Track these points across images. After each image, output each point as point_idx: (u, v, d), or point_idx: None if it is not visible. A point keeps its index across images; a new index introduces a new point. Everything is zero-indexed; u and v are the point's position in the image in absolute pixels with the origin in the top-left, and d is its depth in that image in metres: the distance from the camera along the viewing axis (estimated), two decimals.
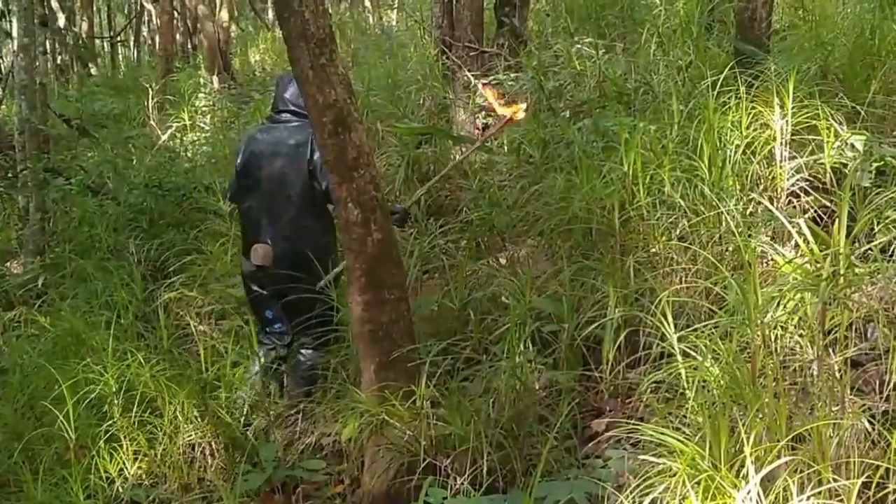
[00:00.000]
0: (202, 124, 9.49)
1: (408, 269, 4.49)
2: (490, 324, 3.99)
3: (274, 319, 4.55)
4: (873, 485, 2.40)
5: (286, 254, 4.37)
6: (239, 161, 4.61)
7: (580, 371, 3.63)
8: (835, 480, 2.32)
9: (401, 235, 5.18)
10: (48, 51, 11.79)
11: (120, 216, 6.73)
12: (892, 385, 2.63)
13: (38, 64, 7.38)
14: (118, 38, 18.15)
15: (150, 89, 10.42)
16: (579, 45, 6.33)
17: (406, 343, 3.56)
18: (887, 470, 2.39)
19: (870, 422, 2.57)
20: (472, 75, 6.65)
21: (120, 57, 19.65)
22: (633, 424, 2.73)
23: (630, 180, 3.99)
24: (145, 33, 20.21)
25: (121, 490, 3.74)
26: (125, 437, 3.87)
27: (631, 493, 2.43)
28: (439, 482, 3.16)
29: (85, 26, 17.72)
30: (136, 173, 7.37)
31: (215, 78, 11.44)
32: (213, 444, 3.92)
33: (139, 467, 3.85)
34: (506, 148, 5.93)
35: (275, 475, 3.72)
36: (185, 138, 9.05)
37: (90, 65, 16.26)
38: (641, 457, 2.60)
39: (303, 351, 4.52)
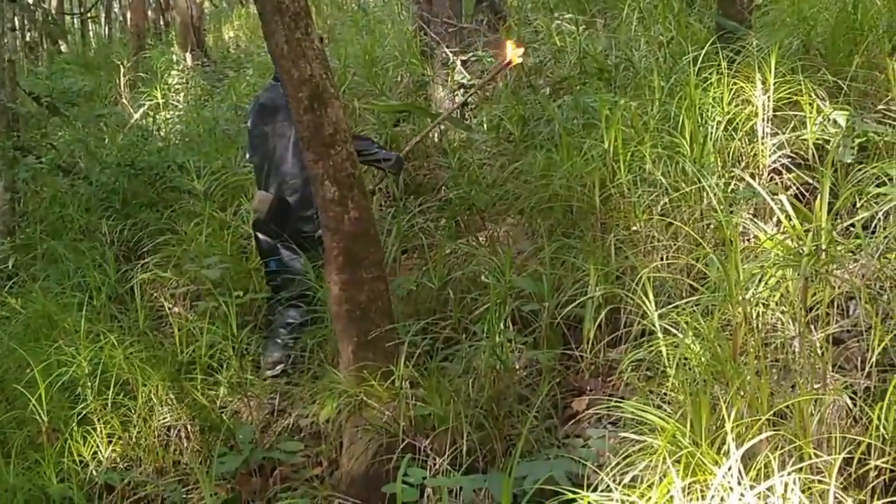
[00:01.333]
0: (175, 102, 9.39)
1: (386, 249, 4.46)
2: (469, 303, 3.97)
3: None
4: (855, 461, 2.40)
5: (280, 204, 4.63)
6: (249, 121, 4.91)
7: (561, 350, 3.62)
8: (816, 456, 2.31)
9: (378, 214, 5.15)
10: (17, 27, 11.55)
11: (92, 196, 6.64)
12: (873, 362, 2.61)
13: (6, 41, 7.20)
14: (89, 15, 17.86)
15: (121, 67, 10.29)
16: (559, 21, 6.29)
17: (384, 323, 3.52)
18: (869, 446, 2.39)
19: (851, 398, 2.57)
20: (451, 52, 6.59)
21: (91, 34, 19.35)
22: (614, 403, 2.71)
23: (611, 157, 3.97)
24: (116, 10, 19.90)
25: (94, 473, 3.71)
26: (99, 419, 3.83)
27: (611, 471, 2.41)
28: (418, 463, 3.14)
29: (55, 2, 17.42)
30: (108, 152, 7.26)
31: (188, 55, 11.28)
32: (188, 426, 3.89)
33: (113, 450, 3.81)
34: (485, 126, 5.89)
35: (252, 457, 3.68)
36: (157, 116, 8.95)
37: (60, 42, 15.96)
38: (622, 435, 2.58)
39: (280, 309, 4.63)
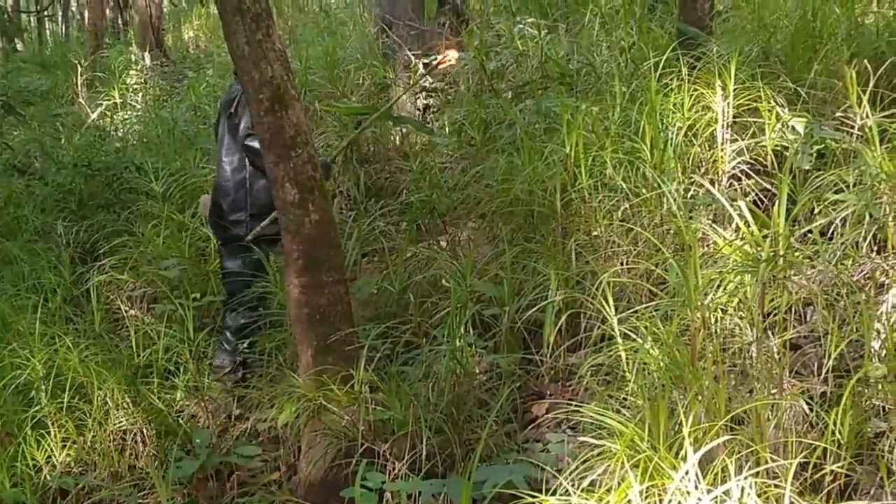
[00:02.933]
0: (133, 102, 9.28)
1: (346, 252, 4.43)
2: (430, 307, 3.95)
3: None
4: (810, 466, 2.42)
5: (215, 207, 4.60)
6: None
7: (521, 355, 3.62)
8: (772, 461, 2.32)
9: (339, 217, 5.12)
10: None
11: (47, 197, 6.56)
12: (830, 367, 2.64)
13: None
14: (45, 13, 17.60)
15: (78, 66, 10.17)
16: (521, 25, 6.31)
17: (344, 327, 3.49)
18: (824, 450, 2.42)
19: (808, 403, 2.59)
20: (413, 54, 6.58)
21: (47, 32, 19.09)
22: (574, 407, 2.71)
23: (572, 162, 3.97)
24: (74, 8, 19.65)
25: (48, 478, 3.64)
26: (53, 423, 3.77)
27: (570, 475, 2.41)
28: (377, 467, 3.12)
29: (10, 0, 17.15)
30: (65, 152, 7.19)
31: (147, 55, 11.18)
32: (144, 430, 3.83)
33: (68, 454, 3.75)
34: (447, 129, 5.88)
35: (208, 462, 3.64)
36: (115, 117, 8.85)
37: (16, 40, 15.73)
38: (581, 439, 2.58)
39: (227, 313, 4.57)
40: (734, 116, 3.86)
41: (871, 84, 3.53)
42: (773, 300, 2.70)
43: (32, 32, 17.60)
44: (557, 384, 3.50)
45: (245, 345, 4.43)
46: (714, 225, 3.41)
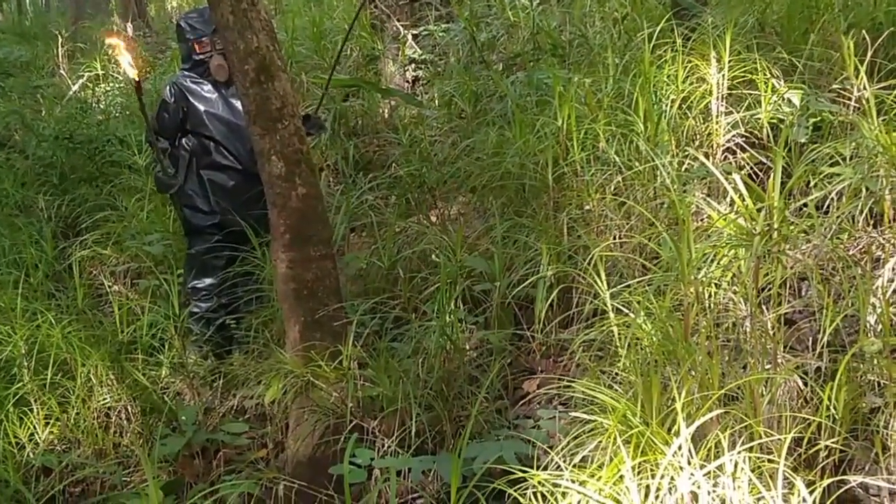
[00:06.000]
0: (115, 74, 9.14)
1: (334, 226, 4.39)
2: (420, 283, 3.92)
3: None
4: (805, 441, 2.41)
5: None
6: None
7: (512, 330, 3.60)
8: (766, 436, 2.30)
9: (327, 191, 5.07)
10: None
11: (28, 170, 6.50)
12: (824, 342, 2.62)
13: None
14: None
15: (59, 37, 10.02)
16: None
17: (332, 302, 3.45)
18: (819, 426, 2.40)
19: (802, 379, 2.58)
20: (402, 25, 6.51)
21: (27, 2, 18.86)
22: (565, 383, 2.68)
23: (564, 135, 3.93)
24: None
25: (31, 456, 3.62)
26: (35, 400, 3.74)
27: (562, 451, 2.39)
28: (366, 444, 3.09)
29: None
30: (46, 125, 7.08)
31: (129, 25, 11.04)
32: (129, 407, 3.80)
33: (51, 432, 3.73)
34: (437, 102, 5.83)
35: (194, 439, 3.62)
36: (97, 89, 8.73)
37: None
38: (573, 415, 2.56)
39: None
40: (729, 89, 3.81)
41: (869, 55, 3.49)
42: (767, 275, 2.67)
43: (12, 2, 17.37)
44: (549, 360, 3.48)
45: (209, 332, 4.44)
46: (708, 199, 3.37)
